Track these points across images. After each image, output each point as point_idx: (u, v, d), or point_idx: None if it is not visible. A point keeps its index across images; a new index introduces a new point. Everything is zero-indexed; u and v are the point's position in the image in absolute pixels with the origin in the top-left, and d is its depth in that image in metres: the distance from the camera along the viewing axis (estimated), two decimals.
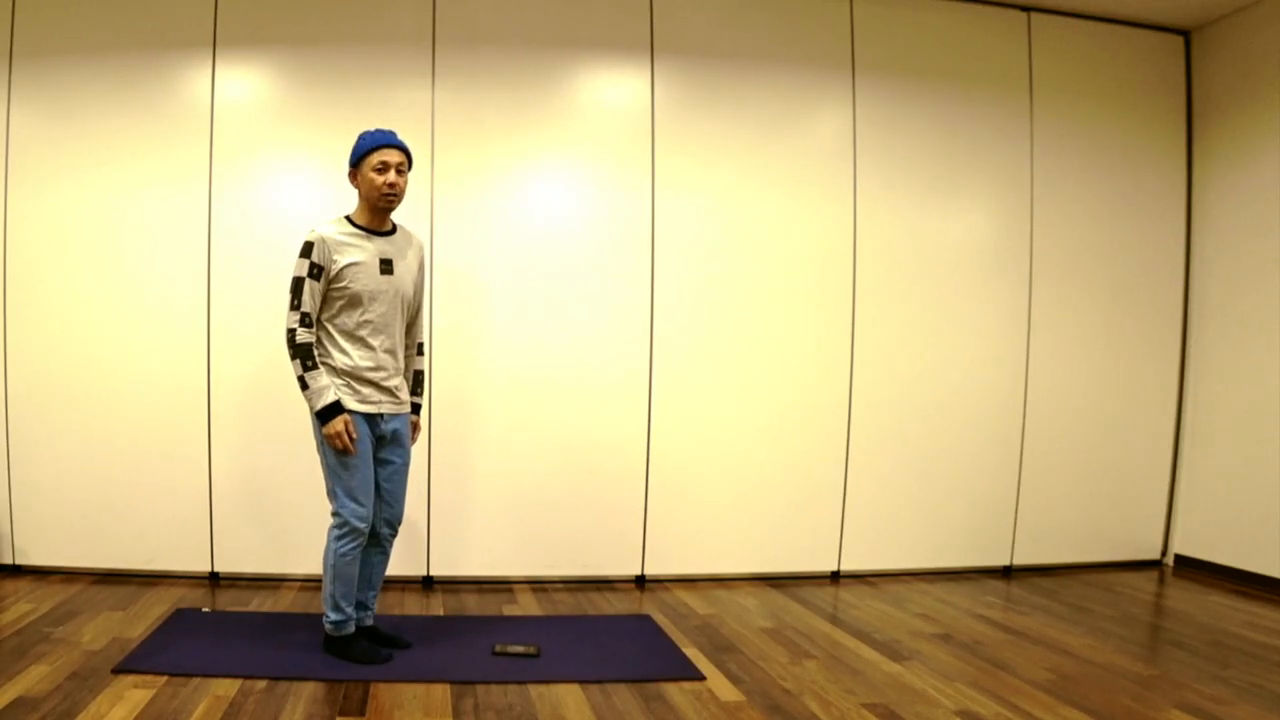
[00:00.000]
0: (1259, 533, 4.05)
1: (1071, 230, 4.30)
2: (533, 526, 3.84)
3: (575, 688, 2.62)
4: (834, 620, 3.42)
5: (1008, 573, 4.28)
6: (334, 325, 2.71)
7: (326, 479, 2.73)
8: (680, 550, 3.95)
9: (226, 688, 2.49)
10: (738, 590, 3.82)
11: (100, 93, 3.60)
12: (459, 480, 3.77)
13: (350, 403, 2.68)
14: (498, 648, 2.89)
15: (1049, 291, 4.27)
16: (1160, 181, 4.42)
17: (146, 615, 3.16)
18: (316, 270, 2.65)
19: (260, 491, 3.68)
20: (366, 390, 2.72)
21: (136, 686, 2.46)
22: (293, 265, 2.68)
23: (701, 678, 2.72)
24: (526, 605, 3.52)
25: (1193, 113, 4.45)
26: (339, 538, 2.70)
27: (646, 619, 3.34)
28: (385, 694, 2.51)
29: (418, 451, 3.74)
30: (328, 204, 3.70)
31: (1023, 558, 4.31)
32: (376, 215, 2.79)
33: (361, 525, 2.70)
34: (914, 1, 4.11)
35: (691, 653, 2.96)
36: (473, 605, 3.50)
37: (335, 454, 2.68)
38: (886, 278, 4.09)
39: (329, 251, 2.66)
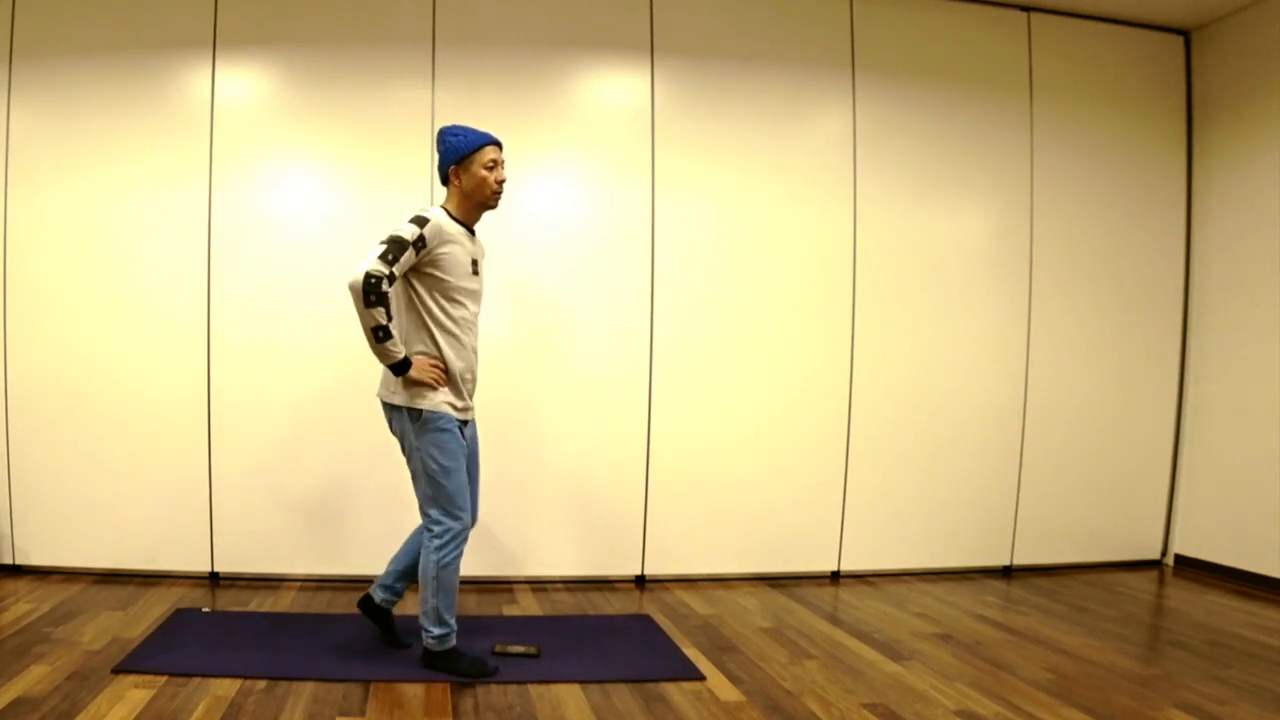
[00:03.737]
0: (1259, 533, 4.05)
1: (1071, 230, 4.30)
2: (533, 526, 3.84)
3: (575, 688, 2.62)
4: (834, 620, 3.42)
5: (1008, 573, 4.28)
6: (434, 321, 2.61)
7: (423, 487, 2.65)
8: (680, 550, 3.95)
9: (226, 688, 2.49)
10: (738, 590, 3.82)
11: (100, 93, 3.60)
12: None
13: (448, 409, 2.62)
14: (498, 648, 2.89)
15: (1049, 291, 4.27)
16: (1160, 181, 4.42)
17: (146, 615, 3.16)
18: (421, 244, 2.53)
19: (260, 491, 3.69)
20: (460, 396, 2.67)
21: (136, 686, 2.46)
22: (397, 227, 2.54)
23: (701, 678, 2.72)
24: (526, 605, 3.52)
25: (1193, 113, 4.45)
26: (440, 547, 2.62)
27: (646, 619, 3.34)
28: (385, 694, 2.51)
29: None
30: (327, 203, 3.70)
31: (1023, 558, 4.31)
32: (475, 213, 2.73)
33: (464, 532, 2.65)
34: (914, 1, 4.11)
35: (691, 653, 2.96)
36: (473, 605, 3.50)
37: (438, 461, 2.60)
38: (886, 277, 4.09)
39: (440, 236, 2.57)
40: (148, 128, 3.62)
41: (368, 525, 3.73)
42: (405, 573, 2.88)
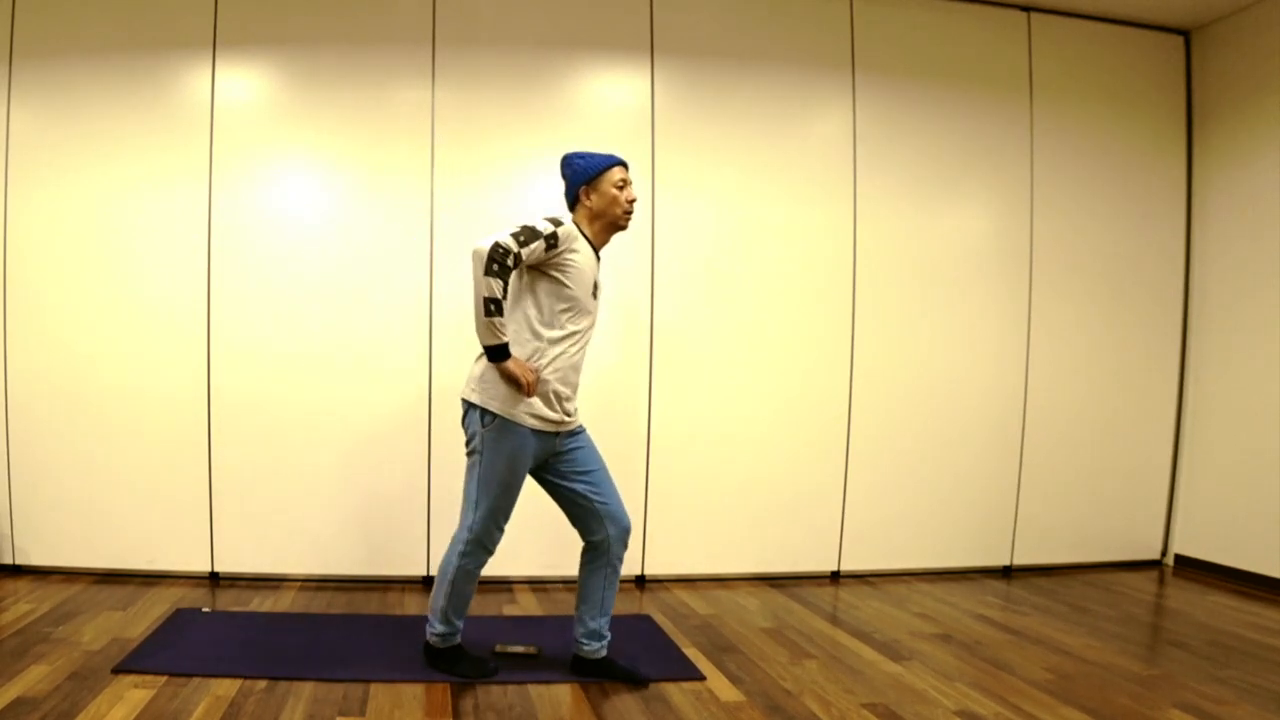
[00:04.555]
0: (1259, 533, 4.05)
1: (1071, 230, 4.30)
2: (534, 526, 3.83)
3: (575, 688, 2.62)
4: (834, 620, 3.42)
5: (1008, 573, 4.28)
6: (545, 327, 2.54)
7: (473, 489, 2.58)
8: (680, 550, 3.95)
9: (226, 688, 2.49)
10: (738, 590, 3.82)
11: (100, 93, 3.60)
12: (459, 480, 3.76)
13: (530, 420, 2.54)
14: (498, 648, 2.89)
15: (1049, 291, 4.27)
16: (1160, 181, 4.42)
17: (146, 615, 3.16)
18: (554, 241, 2.46)
19: (260, 491, 3.69)
20: (552, 409, 2.58)
21: (136, 686, 2.46)
22: (530, 217, 2.49)
23: (701, 678, 2.72)
24: (526, 605, 3.52)
25: (1193, 113, 4.45)
26: (466, 553, 2.58)
27: (646, 619, 3.34)
28: (385, 694, 2.51)
29: (419, 451, 3.75)
30: (327, 203, 3.70)
31: (1023, 558, 4.31)
32: (605, 235, 2.67)
33: (493, 549, 2.62)
34: (914, 1, 4.11)
35: (691, 653, 2.96)
36: (473, 605, 3.48)
37: (499, 469, 2.55)
38: (886, 277, 4.09)
39: (571, 241, 2.51)
40: (148, 128, 3.62)
41: (368, 525, 3.73)
42: (593, 607, 2.70)
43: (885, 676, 2.79)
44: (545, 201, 3.80)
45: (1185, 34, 4.45)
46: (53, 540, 3.65)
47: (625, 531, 2.70)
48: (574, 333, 2.59)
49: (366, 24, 3.71)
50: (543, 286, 2.54)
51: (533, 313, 2.55)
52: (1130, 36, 4.37)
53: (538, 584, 3.84)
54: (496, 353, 2.47)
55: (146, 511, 3.65)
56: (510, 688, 2.60)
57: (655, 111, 3.87)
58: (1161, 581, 4.18)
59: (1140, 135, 4.38)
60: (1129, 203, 4.37)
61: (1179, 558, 4.45)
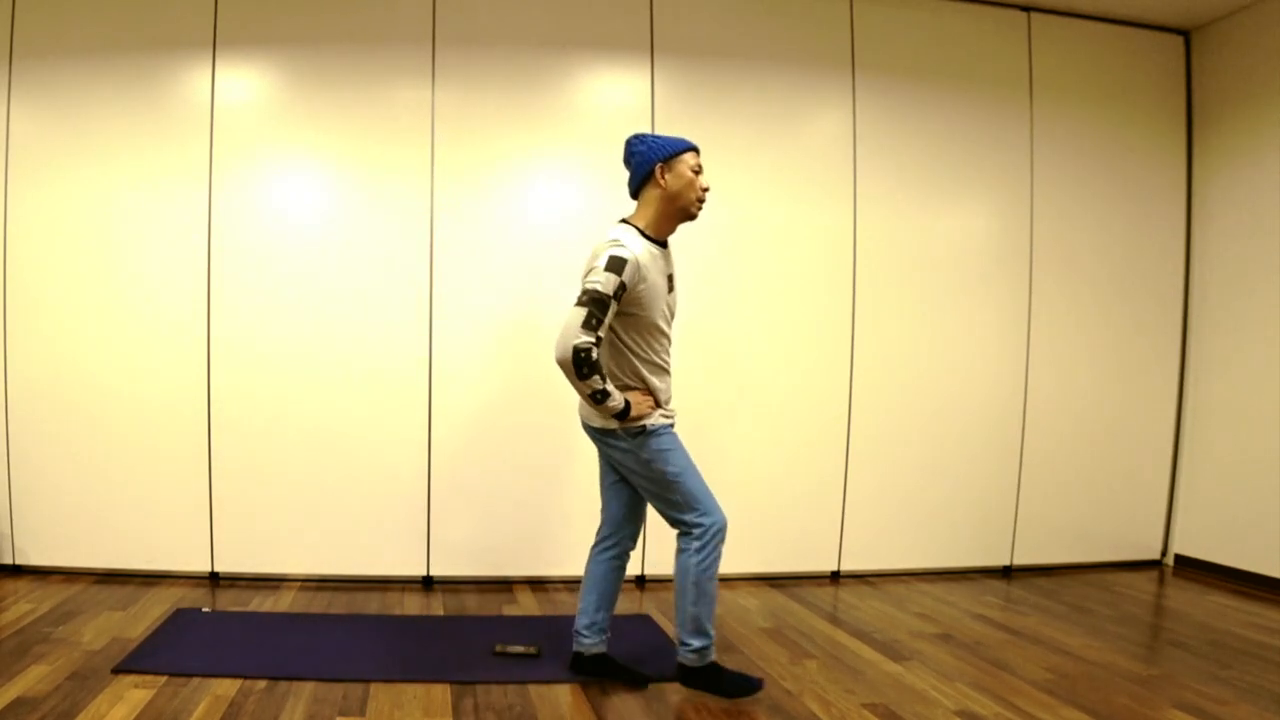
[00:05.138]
0: (1259, 533, 4.05)
1: (1071, 230, 4.30)
2: (533, 526, 3.84)
3: (575, 688, 2.62)
4: (834, 620, 3.42)
5: (1008, 573, 4.28)
6: (636, 355, 2.52)
7: (667, 496, 2.54)
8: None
9: (226, 688, 2.49)
10: (738, 590, 3.82)
11: (100, 93, 3.60)
12: (459, 480, 3.77)
13: (661, 418, 2.55)
14: (498, 648, 2.89)
15: (1049, 291, 4.27)
16: (1160, 181, 4.42)
17: (146, 615, 3.16)
18: (621, 291, 2.39)
19: (260, 492, 3.69)
20: (666, 408, 2.60)
21: (136, 686, 2.46)
22: (594, 274, 2.41)
23: None
24: (526, 605, 3.52)
25: (1193, 113, 4.45)
26: (701, 549, 2.50)
27: (646, 619, 3.34)
28: (385, 694, 2.51)
29: (419, 451, 3.75)
30: (327, 203, 3.70)
31: (1023, 558, 4.31)
32: (673, 223, 2.57)
33: (723, 528, 2.53)
34: (914, 1, 4.11)
35: None
36: (473, 605, 3.50)
37: (675, 462, 2.52)
38: (886, 278, 4.08)
39: (637, 273, 2.42)
40: (148, 128, 3.62)
41: (368, 525, 3.73)
42: (601, 601, 2.71)
43: (885, 676, 2.79)
44: (545, 201, 3.81)
45: (1185, 34, 4.45)
46: (53, 540, 3.65)
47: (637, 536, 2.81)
48: (662, 345, 2.58)
49: (366, 24, 3.71)
50: (623, 323, 2.49)
51: (623, 347, 2.52)
52: (1130, 36, 4.37)
53: (537, 584, 3.84)
54: (619, 415, 2.47)
55: (146, 511, 3.66)
56: (510, 688, 2.60)
57: (655, 112, 3.87)
58: (1161, 581, 4.18)
59: (1140, 135, 4.38)
60: (1129, 202, 4.37)
61: (1179, 558, 4.45)
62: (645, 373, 2.53)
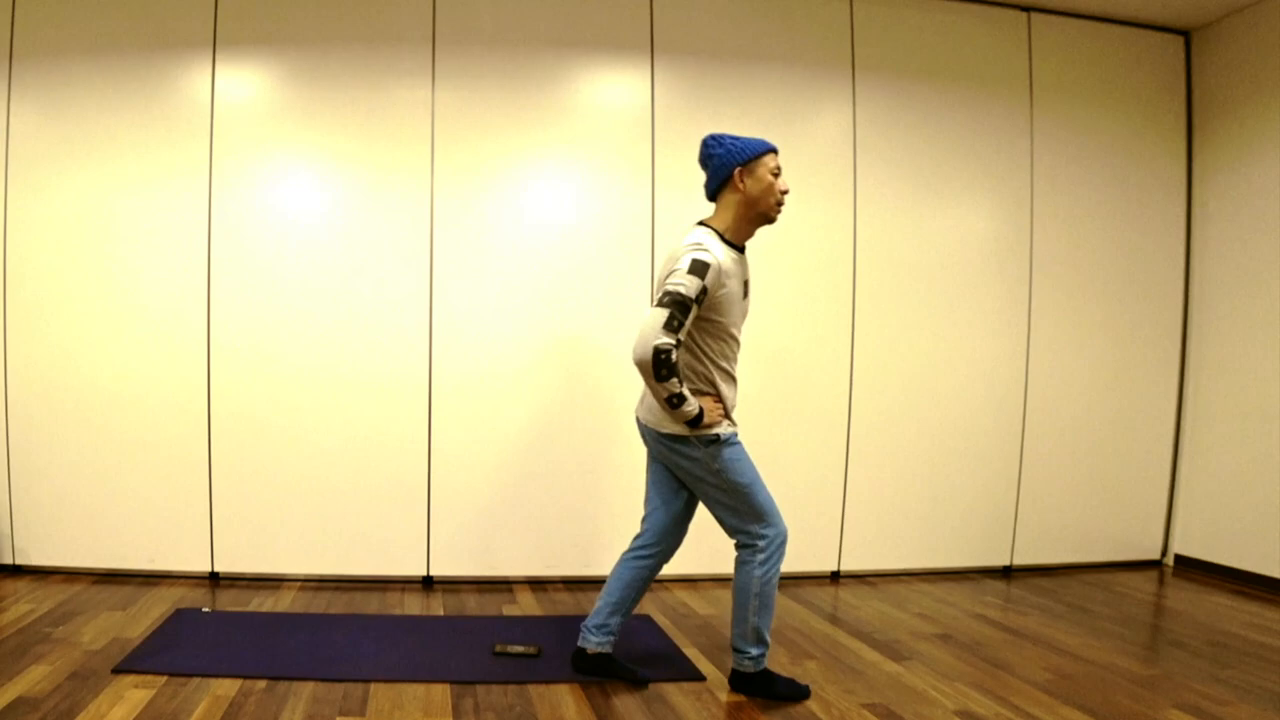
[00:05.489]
0: (1259, 533, 4.05)
1: (1071, 230, 4.30)
2: (533, 526, 3.84)
3: (575, 688, 2.62)
4: (834, 620, 3.42)
5: (1008, 573, 4.28)
6: (709, 361, 2.49)
7: (732, 505, 2.54)
8: (680, 550, 3.94)
9: (226, 688, 2.49)
10: None
11: (100, 92, 3.60)
12: (459, 480, 3.77)
13: (729, 427, 2.53)
14: (498, 648, 2.89)
15: (1049, 291, 4.27)
16: (1160, 181, 4.42)
17: (146, 615, 3.16)
18: (703, 295, 2.36)
19: (260, 492, 3.69)
20: (731, 416, 2.58)
21: (136, 686, 2.46)
22: (676, 276, 2.36)
23: (702, 678, 2.72)
24: (526, 605, 3.52)
25: (1193, 113, 4.45)
26: (765, 560, 2.51)
27: (646, 619, 3.34)
28: (385, 694, 2.51)
29: (418, 451, 3.75)
30: (327, 203, 3.70)
31: (1023, 558, 4.31)
32: (752, 228, 2.53)
33: (785, 539, 2.55)
34: (914, 1, 4.11)
35: (691, 653, 2.96)
36: (473, 605, 3.50)
37: (746, 472, 2.52)
38: (886, 278, 4.08)
39: (719, 277, 2.38)
40: (148, 128, 3.62)
41: (368, 525, 3.74)
42: (620, 605, 2.69)
43: (885, 676, 2.79)
44: (545, 201, 3.81)
45: (1185, 34, 4.45)
46: (53, 540, 3.65)
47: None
48: (734, 351, 2.55)
49: (366, 24, 3.71)
50: (699, 327, 2.46)
51: (697, 351, 2.49)
52: (1130, 36, 4.37)
53: (538, 584, 3.84)
54: (692, 422, 2.45)
55: (146, 511, 3.66)
56: (510, 687, 2.60)
57: (655, 111, 3.87)
58: (1161, 581, 4.18)
59: (1140, 135, 4.38)
60: (1129, 202, 4.37)
61: (1179, 558, 4.45)
62: (718, 379, 2.51)
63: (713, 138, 2.53)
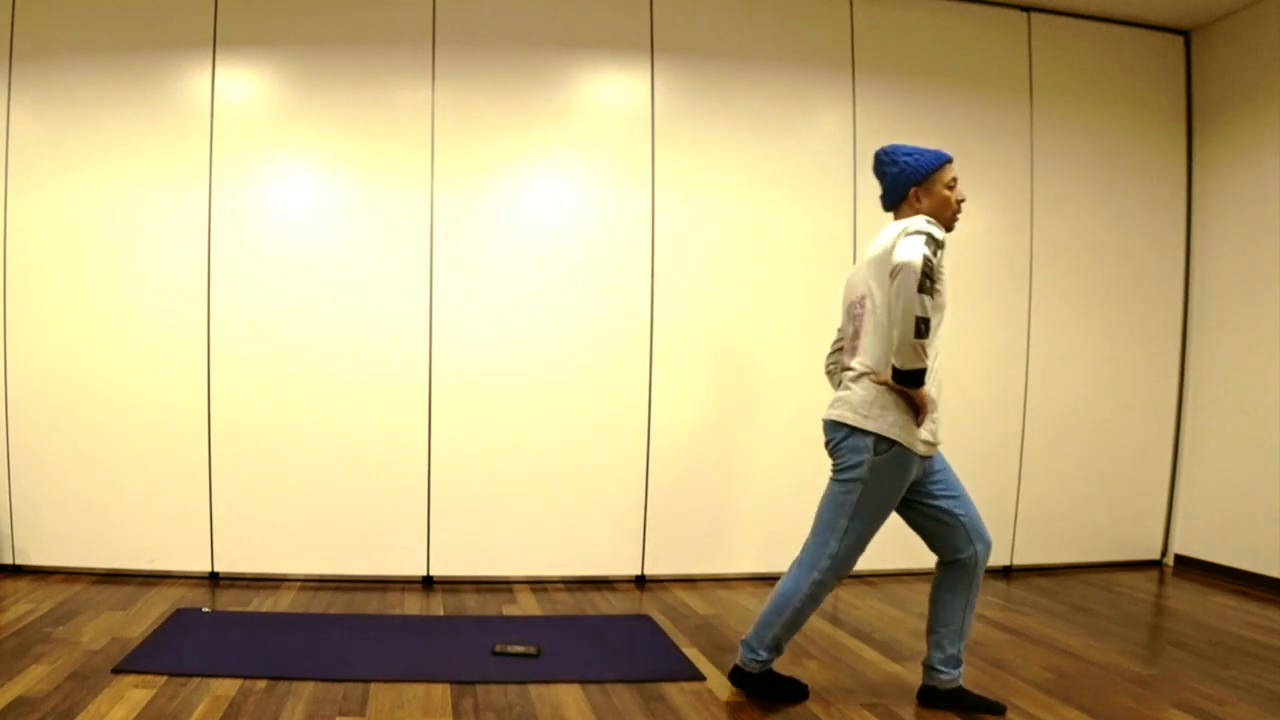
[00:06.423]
0: (1259, 533, 4.05)
1: (1071, 230, 4.30)
2: (533, 526, 3.84)
3: (575, 688, 2.62)
4: (834, 620, 3.42)
5: (1008, 573, 4.28)
6: (932, 346, 2.33)
7: (842, 516, 2.41)
8: (680, 550, 3.95)
9: (226, 688, 2.49)
10: (738, 590, 3.82)
11: (100, 93, 3.60)
12: (459, 480, 3.77)
13: (921, 446, 2.37)
14: (498, 648, 2.89)
15: (1049, 291, 4.27)
16: (1160, 182, 4.42)
17: (146, 615, 3.16)
18: (942, 245, 2.26)
19: (260, 492, 3.69)
20: (934, 431, 2.40)
21: (136, 686, 2.46)
22: (912, 245, 2.22)
23: (702, 678, 2.72)
24: (526, 605, 3.52)
25: (1193, 113, 4.45)
26: (821, 581, 2.41)
27: (646, 619, 3.34)
28: (385, 694, 2.51)
29: (418, 451, 3.75)
30: (327, 203, 3.70)
31: (1023, 558, 4.31)
32: None
33: (845, 577, 2.47)
34: (914, 1, 4.11)
35: (691, 653, 2.96)
36: (473, 605, 3.50)
37: (879, 501, 2.38)
38: None
39: (942, 256, 2.27)
40: (148, 128, 3.62)
41: (368, 525, 3.73)
42: (951, 637, 2.50)
43: (885, 676, 2.79)
44: (545, 201, 3.81)
45: (1185, 34, 4.45)
46: (53, 540, 3.65)
47: (989, 547, 2.54)
48: (937, 350, 2.41)
49: (366, 24, 3.71)
50: None
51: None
52: (1130, 36, 4.37)
53: (537, 584, 3.84)
54: (916, 378, 2.24)
55: (146, 511, 3.66)
56: (510, 687, 2.60)
57: (655, 111, 3.87)
58: (1161, 581, 4.18)
59: (1140, 135, 4.38)
60: (1129, 203, 4.37)
61: (1179, 558, 4.45)
62: (930, 381, 2.35)
63: (886, 153, 2.48)
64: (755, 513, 4.00)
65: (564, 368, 3.82)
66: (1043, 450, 4.31)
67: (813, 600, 2.46)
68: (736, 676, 2.59)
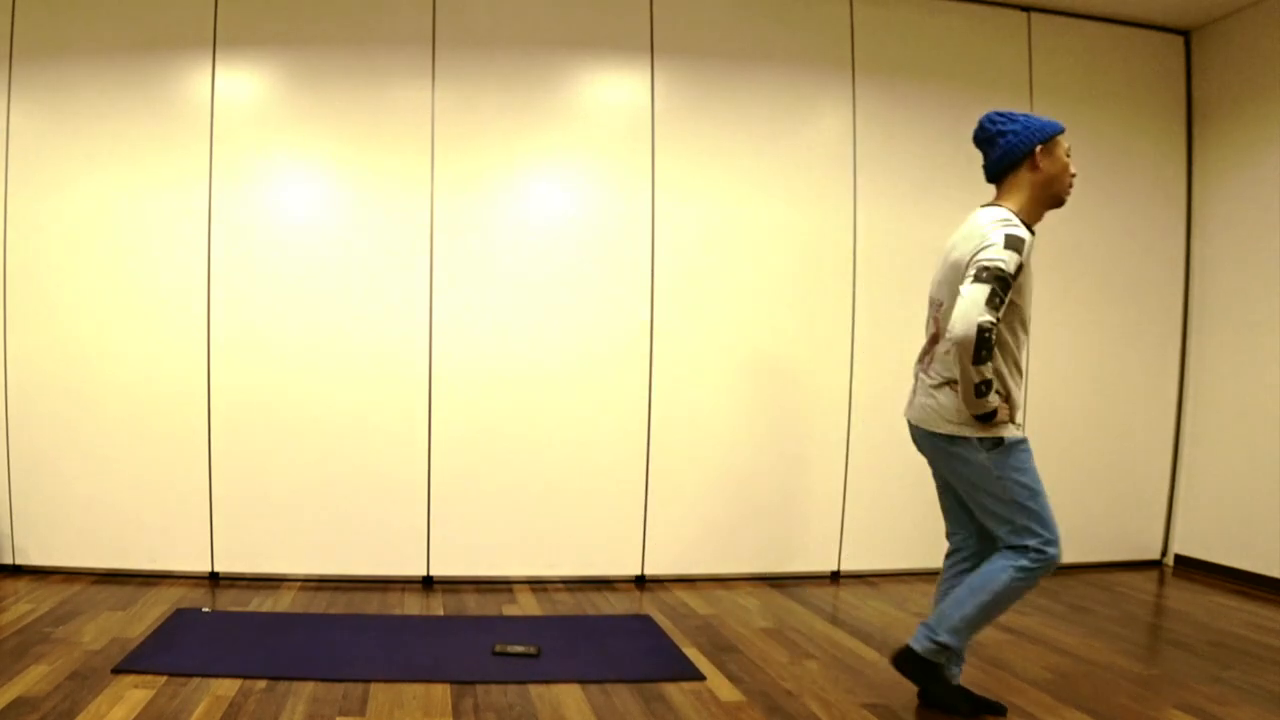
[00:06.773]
0: (1259, 533, 4.05)
1: (1071, 230, 4.29)
2: (533, 526, 3.84)
3: (575, 688, 2.62)
4: (834, 620, 3.42)
5: None
6: (1003, 350, 2.30)
7: (1015, 516, 2.31)
8: (680, 550, 3.95)
9: (226, 688, 2.49)
10: (738, 590, 3.82)
11: (100, 93, 3.60)
12: (459, 480, 3.77)
13: (1015, 430, 2.33)
14: (498, 648, 2.89)
15: (1049, 291, 4.27)
16: (1160, 181, 4.41)
17: (146, 615, 3.16)
18: (1019, 272, 2.20)
19: (260, 491, 3.69)
20: (1018, 420, 2.39)
21: (136, 686, 2.46)
22: (992, 250, 2.18)
23: (701, 678, 2.72)
24: (526, 605, 3.52)
25: (1193, 113, 4.45)
26: (1029, 575, 2.29)
27: (646, 619, 3.34)
28: (385, 694, 2.51)
29: (419, 451, 3.75)
30: (326, 203, 3.70)
31: None
32: (1042, 211, 2.38)
33: (1057, 561, 2.33)
34: (914, 1, 4.11)
35: (691, 653, 2.96)
36: (473, 605, 3.50)
37: (1029, 484, 2.30)
38: (886, 278, 4.08)
39: (1029, 256, 2.23)
40: (148, 128, 3.62)
41: (368, 525, 3.74)
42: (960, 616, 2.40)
43: (885, 676, 2.79)
44: (544, 201, 3.81)
45: (1185, 34, 4.45)
46: (52, 540, 3.65)
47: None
48: (1024, 342, 2.36)
49: (366, 25, 3.71)
50: (1011, 323, 2.31)
51: (1005, 355, 2.32)
52: (1130, 36, 4.37)
53: (537, 584, 3.84)
54: (988, 417, 2.26)
55: (147, 511, 3.66)
56: (510, 687, 2.60)
57: (655, 111, 3.87)
58: (1161, 581, 4.18)
59: (1140, 135, 4.38)
60: (1129, 202, 4.37)
61: (1179, 558, 4.45)
62: (1008, 373, 2.32)
63: (1000, 114, 2.36)
64: (755, 513, 4.00)
65: (564, 368, 3.82)
66: (1042, 450, 4.28)
67: (1017, 592, 2.33)
68: (905, 658, 2.43)
